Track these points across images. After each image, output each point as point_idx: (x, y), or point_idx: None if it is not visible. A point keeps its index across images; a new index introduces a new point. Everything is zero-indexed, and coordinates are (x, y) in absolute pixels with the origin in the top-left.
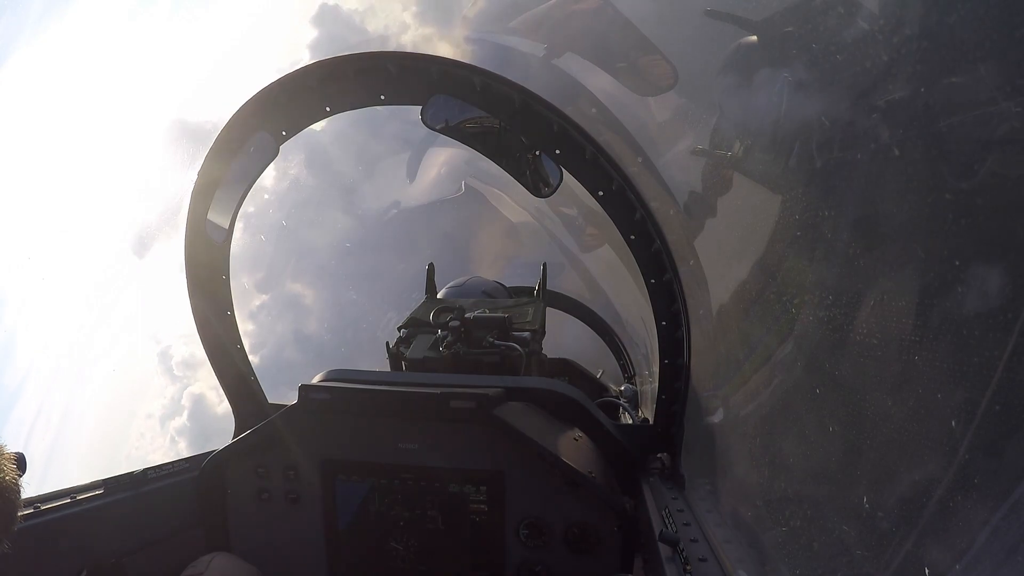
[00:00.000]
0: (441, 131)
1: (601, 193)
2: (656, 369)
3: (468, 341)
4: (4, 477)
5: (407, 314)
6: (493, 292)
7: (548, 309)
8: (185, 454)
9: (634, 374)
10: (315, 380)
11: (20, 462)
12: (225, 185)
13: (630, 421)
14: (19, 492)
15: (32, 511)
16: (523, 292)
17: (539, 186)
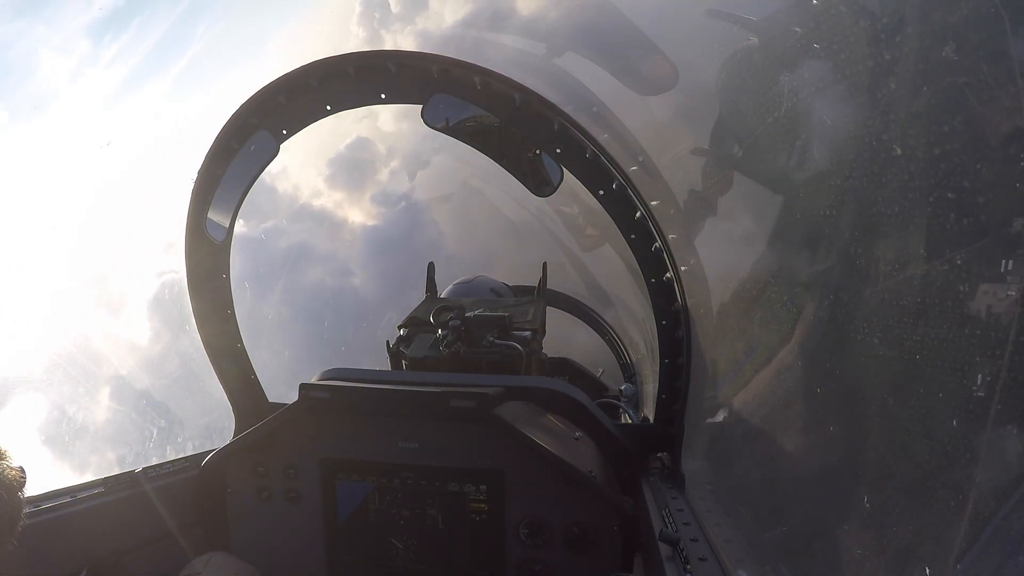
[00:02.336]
0: (441, 130)
1: (602, 192)
2: (656, 368)
3: (468, 340)
4: (7, 476)
5: (407, 313)
6: (500, 291)
7: (548, 308)
8: None
9: (634, 373)
10: (315, 379)
11: (21, 474)
12: (225, 184)
13: (630, 420)
14: (23, 494)
15: (32, 509)
16: (524, 291)
17: (540, 185)
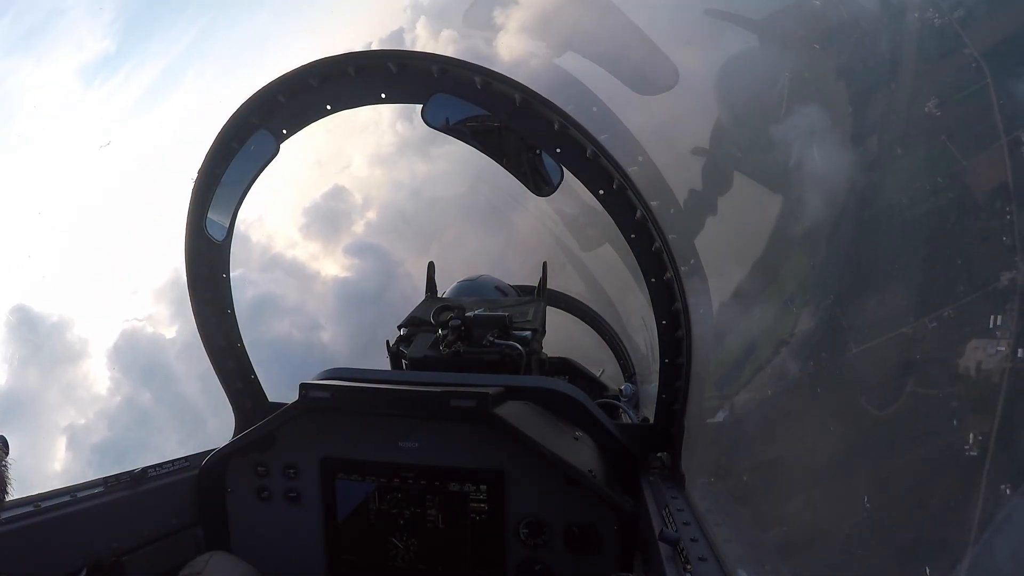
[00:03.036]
0: (442, 130)
1: (602, 192)
2: (656, 368)
3: (468, 340)
4: None
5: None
6: (505, 291)
7: (548, 308)
8: None
9: (634, 373)
10: (315, 378)
11: (3, 445)
12: (225, 184)
13: (630, 420)
14: (6, 471)
15: (32, 509)
16: (524, 291)
17: (540, 185)
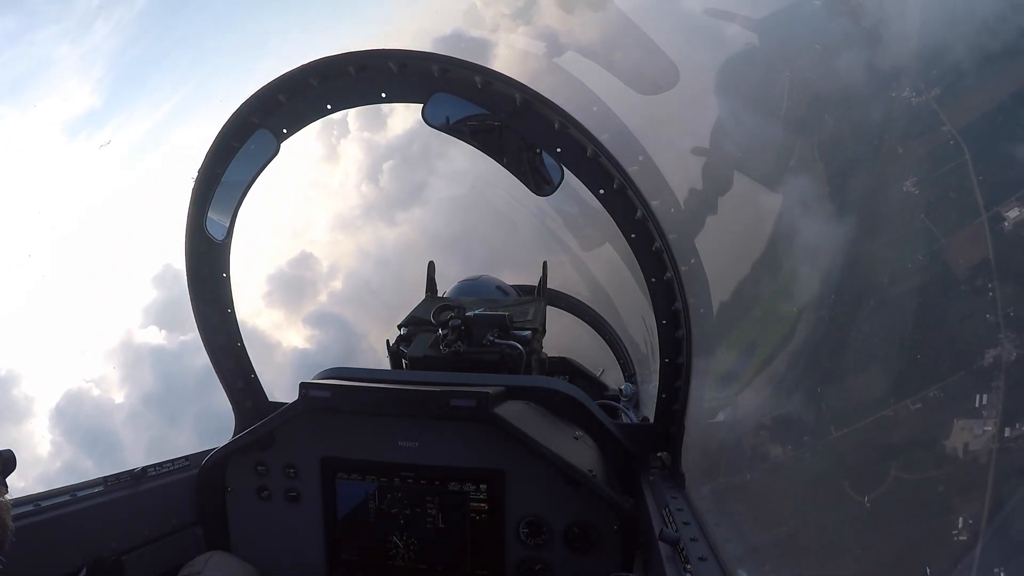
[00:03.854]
0: (442, 129)
1: (602, 191)
2: (656, 368)
3: (468, 340)
4: None
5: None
6: (506, 290)
7: (548, 308)
8: None
9: (634, 373)
10: (315, 378)
11: (8, 462)
12: (226, 183)
13: (630, 420)
14: (8, 507)
15: (33, 508)
16: (524, 291)
17: (540, 184)
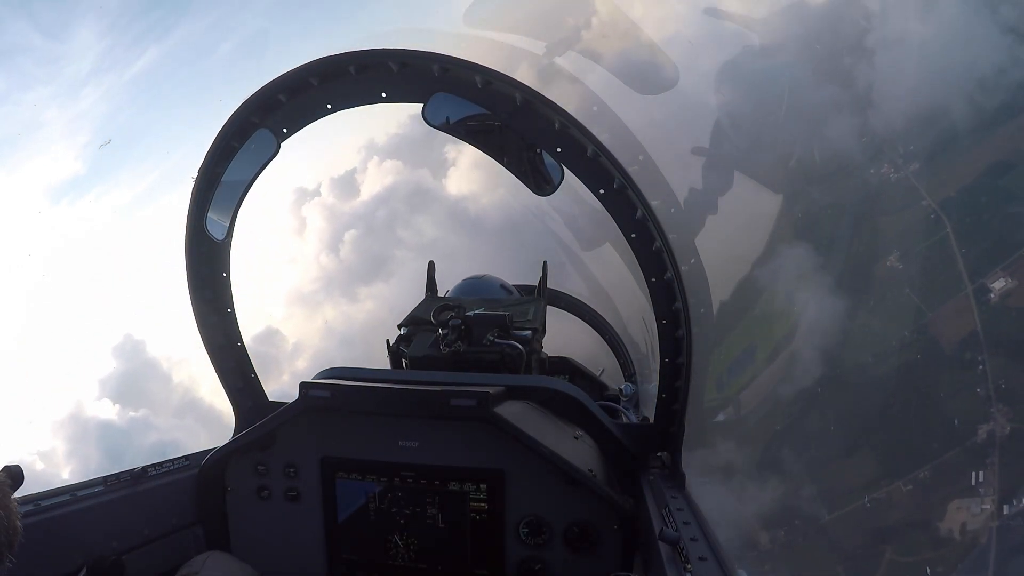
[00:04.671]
0: (442, 129)
1: (602, 191)
2: (656, 368)
3: (469, 339)
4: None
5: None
6: (510, 289)
7: (549, 308)
8: None
9: (634, 373)
10: (315, 378)
11: (17, 477)
12: (226, 183)
13: (630, 420)
14: (17, 513)
15: (33, 507)
16: (524, 291)
17: (540, 184)
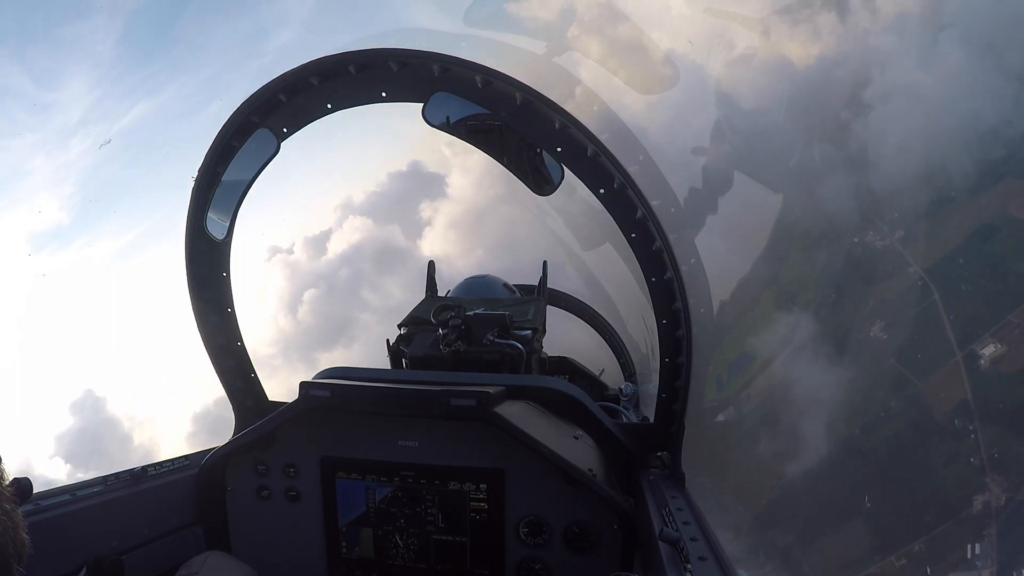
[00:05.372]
0: (442, 128)
1: (602, 191)
2: (656, 367)
3: (469, 339)
4: (6, 510)
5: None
6: (513, 289)
7: (548, 308)
8: None
9: (634, 372)
10: (315, 378)
11: (26, 490)
12: (226, 182)
13: (630, 420)
14: (23, 526)
15: (33, 507)
16: (525, 290)
17: (540, 184)
